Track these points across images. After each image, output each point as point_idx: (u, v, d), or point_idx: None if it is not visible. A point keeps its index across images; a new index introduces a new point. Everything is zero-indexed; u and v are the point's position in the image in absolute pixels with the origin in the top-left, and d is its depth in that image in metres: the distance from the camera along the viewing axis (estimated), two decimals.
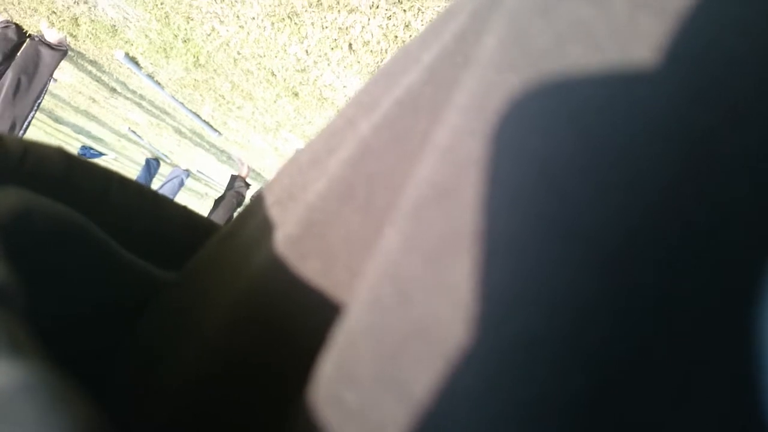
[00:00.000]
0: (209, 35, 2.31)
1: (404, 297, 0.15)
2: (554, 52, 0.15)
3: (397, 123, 0.19)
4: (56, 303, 0.21)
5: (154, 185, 5.40)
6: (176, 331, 0.23)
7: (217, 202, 4.07)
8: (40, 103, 3.11)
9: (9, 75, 2.96)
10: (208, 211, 4.04)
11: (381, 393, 0.15)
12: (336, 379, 0.16)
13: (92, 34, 2.86)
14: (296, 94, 2.52)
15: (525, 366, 0.13)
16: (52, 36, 2.96)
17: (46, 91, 3.10)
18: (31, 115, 3.07)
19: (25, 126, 3.06)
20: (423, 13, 1.59)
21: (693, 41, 0.14)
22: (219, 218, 3.94)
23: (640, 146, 0.13)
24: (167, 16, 2.29)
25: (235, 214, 4.19)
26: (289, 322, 0.20)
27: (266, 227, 0.22)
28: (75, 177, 0.23)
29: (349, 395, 0.15)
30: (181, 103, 3.47)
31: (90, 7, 2.54)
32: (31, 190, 0.19)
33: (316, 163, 0.22)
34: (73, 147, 6.93)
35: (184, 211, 0.29)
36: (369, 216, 0.19)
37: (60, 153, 0.22)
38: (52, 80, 3.19)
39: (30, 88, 3.00)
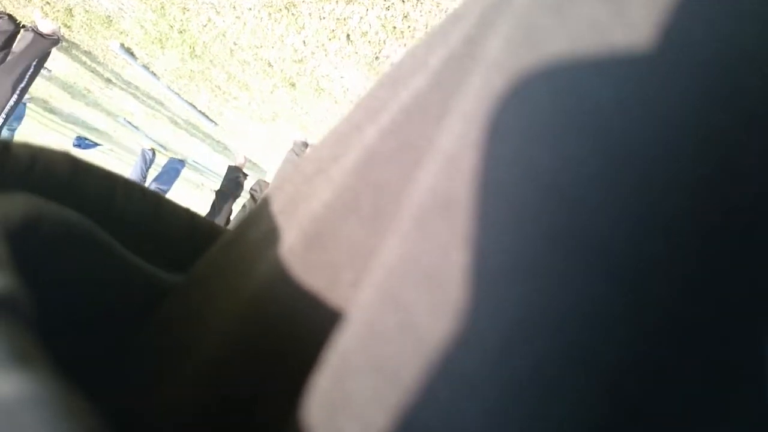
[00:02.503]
0: (205, 26, 2.29)
1: (403, 317, 0.14)
2: (565, 55, 0.15)
3: (403, 129, 0.19)
4: (64, 308, 0.21)
5: (150, 175, 5.37)
6: (180, 337, 0.23)
7: (218, 194, 4.07)
8: (23, 88, 2.99)
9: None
10: (210, 204, 4.04)
11: (377, 418, 0.14)
12: (330, 402, 0.15)
13: (87, 25, 2.84)
14: (293, 85, 2.51)
15: (539, 395, 0.13)
16: (46, 26, 2.93)
17: (29, 75, 2.98)
18: (13, 99, 2.97)
19: (8, 110, 2.95)
20: (422, 3, 1.58)
21: (711, 42, 0.13)
22: (221, 210, 3.94)
23: (660, 155, 0.13)
24: (163, 7, 2.27)
25: (235, 206, 4.15)
26: (293, 335, 0.20)
27: (271, 236, 0.22)
28: (80, 181, 0.22)
29: (344, 420, 0.15)
30: (177, 94, 3.45)
31: None
32: (39, 196, 0.19)
33: (321, 172, 0.22)
34: (67, 137, 6.89)
35: (187, 213, 0.29)
36: (374, 227, 0.18)
37: (66, 158, 0.22)
38: (45, 70, 3.14)
39: (14, 69, 2.91)
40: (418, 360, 0.14)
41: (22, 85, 3.00)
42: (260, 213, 0.24)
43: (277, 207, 0.23)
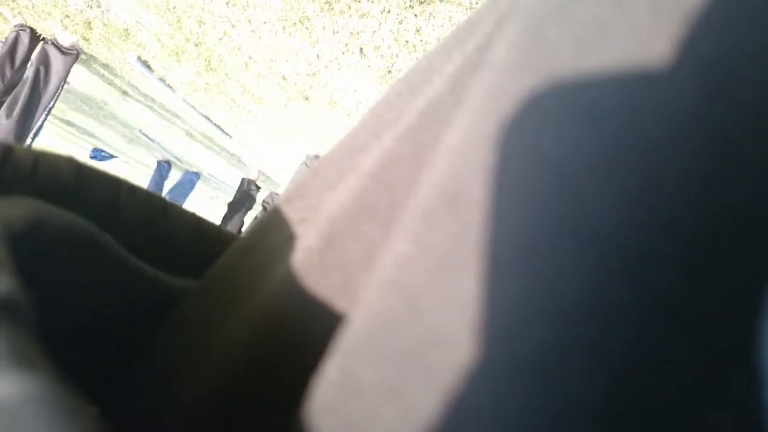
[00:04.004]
0: (221, 39, 2.32)
1: (411, 306, 0.15)
2: (571, 53, 0.15)
3: (420, 134, 0.19)
4: (67, 311, 0.21)
5: (166, 188, 5.42)
6: (194, 341, 0.23)
7: (230, 206, 4.09)
8: (52, 107, 3.14)
9: (27, 81, 2.99)
10: (222, 216, 4.06)
11: (385, 403, 0.14)
12: (339, 387, 0.15)
13: (105, 38, 2.88)
14: (307, 98, 2.53)
15: (541, 379, 0.13)
16: (65, 39, 2.98)
17: (58, 95, 3.12)
18: (43, 117, 3.10)
19: (36, 129, 3.09)
20: (434, 17, 1.59)
21: (713, 39, 0.14)
22: (232, 222, 3.96)
23: (662, 147, 0.13)
24: (179, 20, 2.30)
25: (246, 218, 4.14)
26: (309, 337, 0.20)
27: (289, 242, 0.22)
28: (84, 186, 0.22)
29: (352, 405, 0.15)
30: (193, 107, 3.49)
31: (103, 11, 2.56)
32: (42, 200, 0.19)
33: (342, 179, 0.22)
34: (84, 149, 6.98)
35: (193, 217, 0.29)
36: (388, 228, 0.19)
37: (70, 162, 0.22)
38: (65, 83, 3.22)
39: (44, 93, 3.03)
40: (425, 346, 0.14)
41: (52, 104, 3.14)
42: (279, 219, 0.24)
43: (297, 215, 0.23)
